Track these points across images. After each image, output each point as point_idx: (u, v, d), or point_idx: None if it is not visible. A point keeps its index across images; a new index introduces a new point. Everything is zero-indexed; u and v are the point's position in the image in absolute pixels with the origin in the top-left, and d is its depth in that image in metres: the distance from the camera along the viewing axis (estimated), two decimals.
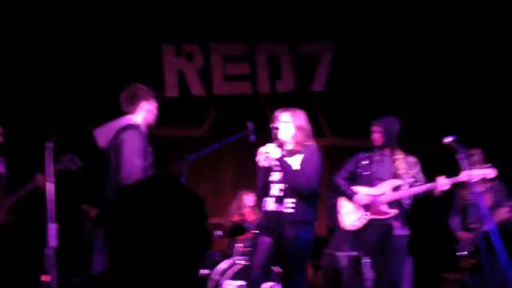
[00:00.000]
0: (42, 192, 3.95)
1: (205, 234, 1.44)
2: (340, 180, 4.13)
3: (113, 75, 5.49)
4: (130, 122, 3.56)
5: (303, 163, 3.58)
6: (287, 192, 3.54)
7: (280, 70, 5.76)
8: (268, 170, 3.66)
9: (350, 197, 4.06)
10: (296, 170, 3.56)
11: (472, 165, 3.98)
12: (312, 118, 3.79)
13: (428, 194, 3.93)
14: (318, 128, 5.49)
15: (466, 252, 4.40)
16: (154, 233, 1.41)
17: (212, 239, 4.91)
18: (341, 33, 5.53)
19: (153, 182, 1.49)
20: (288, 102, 3.96)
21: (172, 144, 4.93)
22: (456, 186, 4.12)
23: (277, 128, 3.67)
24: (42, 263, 3.33)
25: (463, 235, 4.47)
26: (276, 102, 5.40)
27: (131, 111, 3.62)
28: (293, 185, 3.58)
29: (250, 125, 3.96)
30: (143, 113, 3.65)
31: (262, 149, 3.62)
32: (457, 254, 4.41)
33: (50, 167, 3.39)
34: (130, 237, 1.42)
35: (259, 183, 3.68)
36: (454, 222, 4.53)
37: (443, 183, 3.86)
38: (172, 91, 5.78)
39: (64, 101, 5.49)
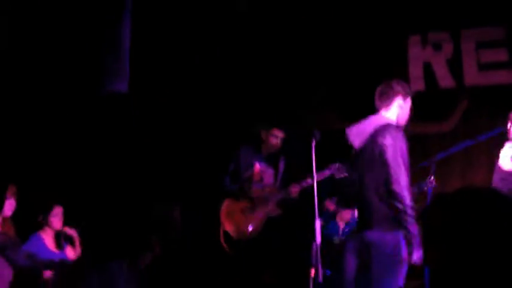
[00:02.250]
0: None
1: None
2: None
3: (357, 70, 5.34)
4: (388, 121, 3.48)
5: None
6: None
7: None
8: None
9: None
10: None
11: None
12: None
13: None
14: None
15: None
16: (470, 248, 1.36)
17: None
18: None
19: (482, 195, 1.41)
20: None
21: (418, 141, 4.58)
22: None
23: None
24: (307, 257, 3.46)
25: None
26: None
27: (384, 107, 3.54)
28: None
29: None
30: (397, 110, 3.53)
31: (504, 152, 3.43)
32: None
33: (313, 165, 3.56)
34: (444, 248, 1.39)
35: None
36: None
37: None
38: (417, 84, 5.38)
39: (312, 98, 5.51)
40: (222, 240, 4.62)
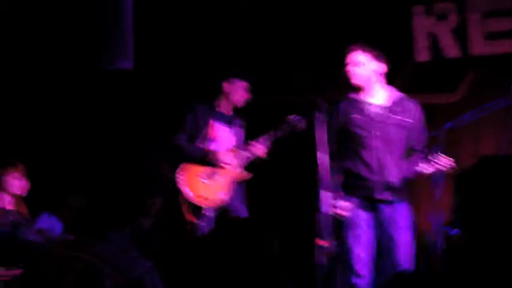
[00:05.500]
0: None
1: None
2: None
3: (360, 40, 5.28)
4: None
5: None
6: None
7: None
8: None
9: None
10: None
11: None
12: None
13: None
14: None
15: None
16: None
17: None
18: None
19: None
20: None
21: (426, 111, 4.56)
22: None
23: None
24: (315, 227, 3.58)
25: None
26: None
27: None
28: None
29: None
30: None
31: None
32: None
33: (321, 137, 3.64)
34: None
35: None
36: None
37: None
38: (423, 55, 5.34)
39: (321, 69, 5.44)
40: (184, 208, 4.36)
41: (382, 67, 3.80)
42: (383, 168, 3.69)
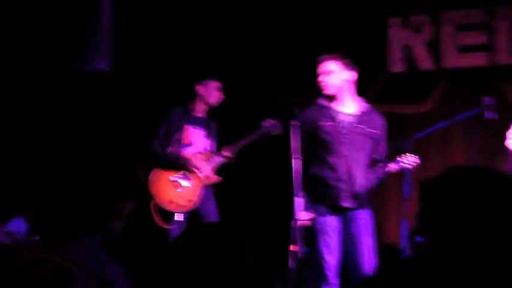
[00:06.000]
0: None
1: None
2: None
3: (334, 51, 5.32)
4: None
5: None
6: None
7: None
8: None
9: None
10: None
11: None
12: None
13: None
14: None
15: None
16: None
17: None
18: None
19: None
20: None
21: (396, 121, 4.63)
22: None
23: None
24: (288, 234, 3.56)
25: None
26: None
27: None
28: None
29: (487, 100, 3.75)
30: None
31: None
32: None
33: (296, 144, 3.61)
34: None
35: (506, 168, 3.50)
36: None
37: None
38: (397, 66, 5.43)
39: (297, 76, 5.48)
40: (154, 214, 4.37)
41: (353, 75, 3.81)
42: (350, 176, 3.72)
